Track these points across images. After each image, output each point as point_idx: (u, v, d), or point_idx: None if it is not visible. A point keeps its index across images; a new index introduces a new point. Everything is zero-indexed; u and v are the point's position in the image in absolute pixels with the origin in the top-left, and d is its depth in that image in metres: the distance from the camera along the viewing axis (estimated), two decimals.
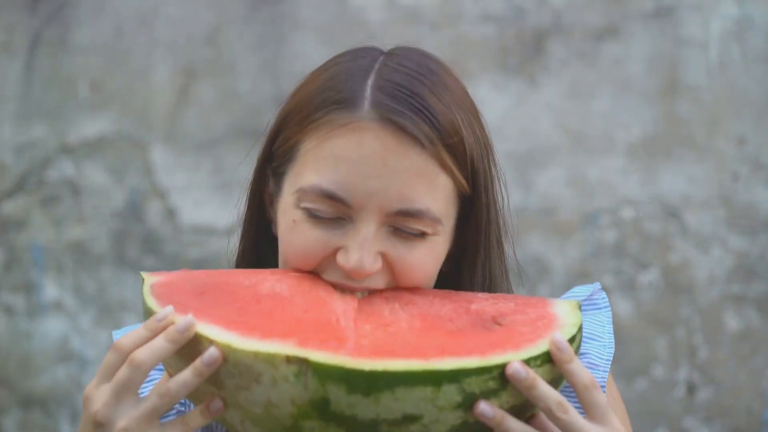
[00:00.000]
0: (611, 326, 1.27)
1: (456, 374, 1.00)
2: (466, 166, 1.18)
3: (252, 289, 1.11)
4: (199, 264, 2.69)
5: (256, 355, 1.00)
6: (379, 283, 1.16)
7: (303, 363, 0.99)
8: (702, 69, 2.58)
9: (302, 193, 1.15)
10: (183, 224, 2.72)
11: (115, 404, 1.03)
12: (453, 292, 1.16)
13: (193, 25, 2.75)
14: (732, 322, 2.55)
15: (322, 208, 1.14)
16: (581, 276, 2.56)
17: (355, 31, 2.64)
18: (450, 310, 1.11)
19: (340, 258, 1.14)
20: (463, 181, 1.18)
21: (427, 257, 1.17)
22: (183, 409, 1.21)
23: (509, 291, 1.27)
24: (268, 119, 1.31)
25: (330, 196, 1.14)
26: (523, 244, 2.52)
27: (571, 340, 1.06)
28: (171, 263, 2.70)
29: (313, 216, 1.15)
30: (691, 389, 2.55)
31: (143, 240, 2.73)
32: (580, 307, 1.11)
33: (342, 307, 1.10)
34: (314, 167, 1.15)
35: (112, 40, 2.76)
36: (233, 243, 1.33)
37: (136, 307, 2.71)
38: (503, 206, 1.26)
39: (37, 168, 2.78)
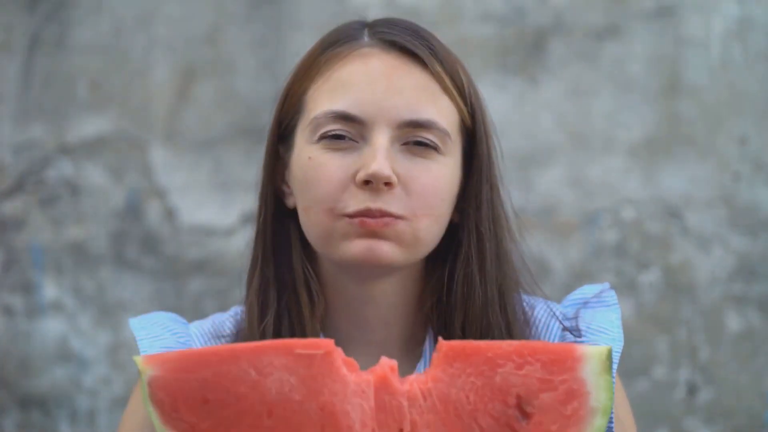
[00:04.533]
0: (620, 323, 1.28)
1: None
2: (465, 97, 1.25)
3: (260, 386, 1.03)
4: (199, 264, 2.68)
5: None
6: (397, 204, 1.19)
7: None
8: (703, 69, 2.57)
9: (316, 122, 1.21)
10: (182, 224, 2.72)
11: None
12: (475, 346, 1.07)
13: (193, 25, 2.74)
14: (733, 322, 2.54)
15: (337, 128, 1.20)
16: (581, 276, 2.56)
17: None
18: (473, 391, 1.04)
19: (361, 173, 1.18)
20: (464, 109, 1.25)
21: (438, 175, 1.22)
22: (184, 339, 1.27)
23: (509, 229, 1.32)
24: (268, 119, 1.32)
25: (343, 116, 1.20)
26: (523, 244, 2.51)
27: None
28: (171, 263, 2.70)
29: (328, 143, 1.20)
30: (692, 390, 2.55)
31: (142, 240, 2.73)
32: (610, 356, 1.05)
33: (359, 412, 1.03)
34: (325, 97, 1.22)
35: (111, 40, 2.76)
36: (234, 243, 1.35)
37: (135, 306, 2.71)
38: (499, 156, 1.31)
39: (36, 168, 2.78)
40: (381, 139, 1.19)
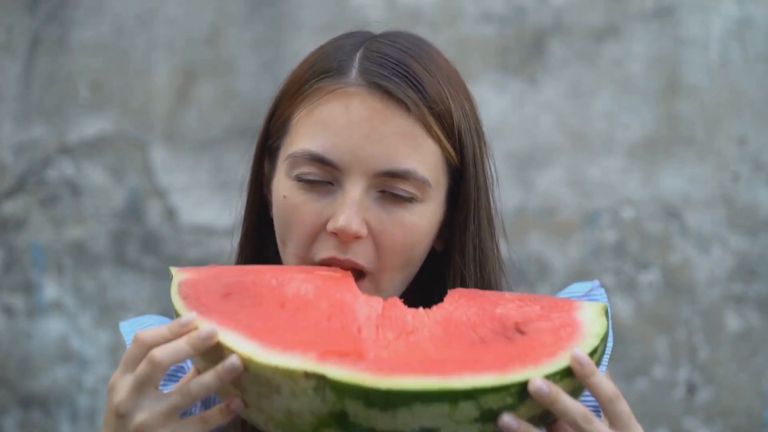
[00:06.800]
0: (610, 320, 1.28)
1: (472, 392, 1.00)
2: (454, 136, 1.21)
3: (278, 289, 1.11)
4: (200, 264, 2.69)
5: (276, 370, 1.01)
6: (363, 254, 1.18)
7: (321, 379, 1.00)
8: (702, 69, 2.58)
9: (293, 160, 1.19)
10: (183, 224, 2.72)
11: (136, 397, 1.04)
12: (481, 293, 1.16)
13: (193, 25, 2.75)
14: (732, 322, 2.55)
15: (312, 171, 1.18)
16: (581, 276, 2.56)
17: None
18: (474, 315, 1.10)
19: (330, 224, 1.17)
20: (451, 150, 1.21)
21: (412, 228, 1.19)
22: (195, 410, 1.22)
23: (501, 271, 1.28)
24: None
25: (319, 159, 1.17)
26: (523, 244, 2.52)
27: (593, 352, 1.06)
28: (171, 263, 2.70)
29: (303, 184, 1.18)
30: (692, 389, 2.55)
31: (143, 240, 2.73)
32: (606, 312, 1.10)
33: (366, 312, 1.10)
34: (304, 134, 1.19)
35: (112, 40, 2.76)
36: (234, 243, 1.34)
37: (135, 306, 2.71)
38: (494, 186, 1.28)
39: (37, 168, 2.78)
40: (354, 191, 1.16)
